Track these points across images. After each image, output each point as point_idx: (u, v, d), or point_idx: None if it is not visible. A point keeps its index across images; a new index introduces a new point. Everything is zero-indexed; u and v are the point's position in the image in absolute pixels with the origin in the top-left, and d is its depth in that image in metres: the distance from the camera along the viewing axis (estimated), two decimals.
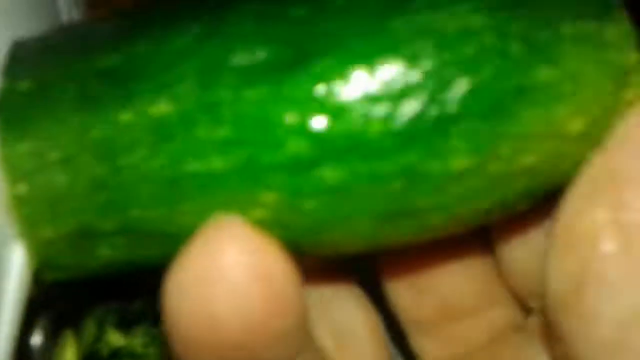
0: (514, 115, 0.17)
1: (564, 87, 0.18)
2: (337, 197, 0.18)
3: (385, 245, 0.20)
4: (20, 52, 0.20)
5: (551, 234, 0.18)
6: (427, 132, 0.17)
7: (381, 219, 0.18)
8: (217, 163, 0.18)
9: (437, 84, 0.17)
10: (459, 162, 0.18)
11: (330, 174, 0.18)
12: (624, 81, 0.18)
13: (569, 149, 0.18)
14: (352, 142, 0.17)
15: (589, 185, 0.18)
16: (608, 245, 0.17)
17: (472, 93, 0.17)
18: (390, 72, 0.17)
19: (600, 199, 0.17)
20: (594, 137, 0.18)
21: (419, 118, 0.17)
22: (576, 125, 0.18)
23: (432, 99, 0.17)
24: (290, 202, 0.18)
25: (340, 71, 0.17)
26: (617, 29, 0.18)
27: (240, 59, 0.18)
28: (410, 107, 0.17)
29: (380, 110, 0.17)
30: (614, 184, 0.17)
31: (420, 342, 0.24)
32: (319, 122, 0.17)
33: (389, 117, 0.17)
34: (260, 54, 0.18)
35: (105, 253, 0.19)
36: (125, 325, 0.25)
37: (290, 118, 0.17)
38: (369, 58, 0.17)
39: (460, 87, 0.17)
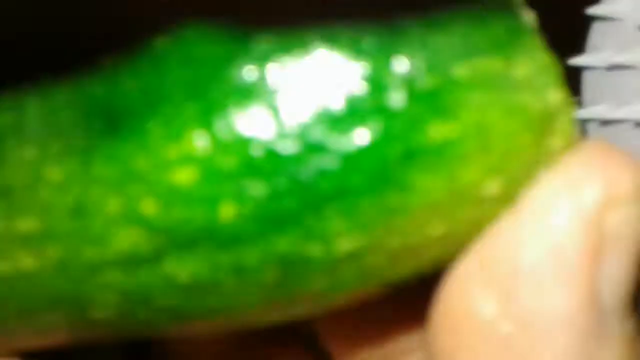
0: (405, 185, 0.14)
1: (467, 144, 0.14)
2: (197, 291, 0.14)
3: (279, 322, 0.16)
4: None
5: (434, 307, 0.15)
6: (295, 213, 0.14)
7: (262, 307, 0.15)
8: (26, 261, 0.14)
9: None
10: (345, 244, 0.14)
11: (179, 268, 0.14)
12: (547, 128, 0.14)
13: (487, 213, 0.14)
14: (200, 229, 0.14)
15: (476, 263, 0.15)
16: (494, 336, 0.14)
17: (344, 165, 0.13)
18: None
19: (486, 283, 0.14)
20: (516, 196, 0.14)
21: (279, 198, 0.14)
22: (490, 188, 0.14)
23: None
24: (136, 302, 0.15)
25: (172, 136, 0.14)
26: (531, 61, 0.14)
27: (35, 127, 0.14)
28: (264, 185, 0.14)
29: (229, 188, 0.14)
30: (502, 269, 0.14)
31: None
32: (150, 207, 0.14)
33: (241, 197, 0.14)
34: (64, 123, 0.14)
35: None
36: None
37: (112, 204, 0.14)
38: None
39: (330, 159, 0.14)
